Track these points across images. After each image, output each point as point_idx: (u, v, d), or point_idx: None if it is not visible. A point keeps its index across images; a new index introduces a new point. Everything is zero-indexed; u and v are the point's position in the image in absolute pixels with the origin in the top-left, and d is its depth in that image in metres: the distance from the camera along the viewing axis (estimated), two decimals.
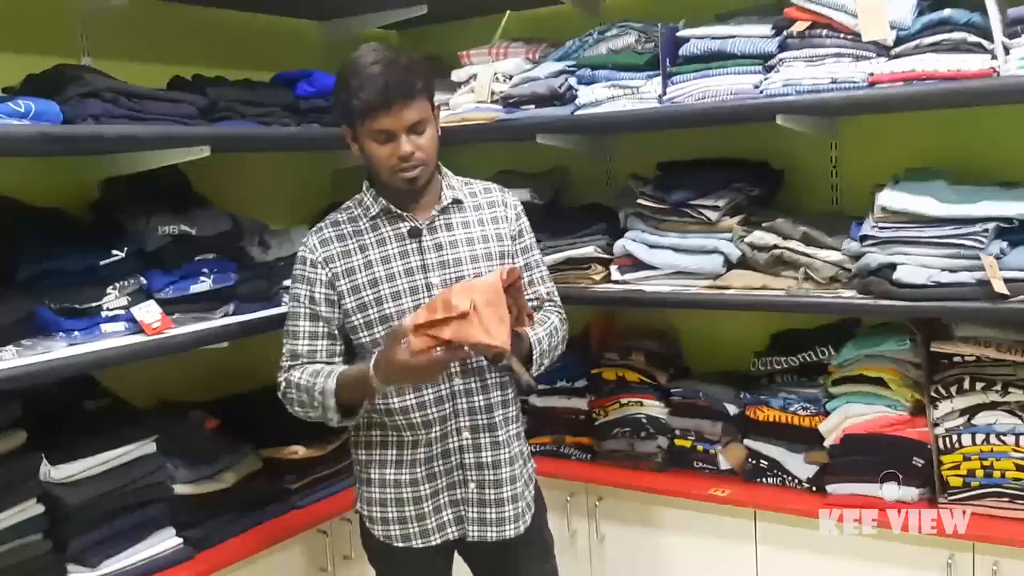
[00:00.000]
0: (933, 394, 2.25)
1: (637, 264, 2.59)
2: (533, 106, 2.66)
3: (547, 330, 2.04)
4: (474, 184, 2.13)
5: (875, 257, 2.18)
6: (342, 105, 1.94)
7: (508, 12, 3.13)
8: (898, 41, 2.16)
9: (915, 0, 2.18)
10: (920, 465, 2.27)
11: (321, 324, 2.01)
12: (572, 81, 2.61)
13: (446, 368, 1.90)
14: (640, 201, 2.59)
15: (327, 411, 1.93)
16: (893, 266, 2.16)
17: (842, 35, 2.22)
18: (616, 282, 2.62)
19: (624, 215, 2.67)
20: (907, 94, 2.12)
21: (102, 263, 2.13)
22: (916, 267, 2.14)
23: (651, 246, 2.57)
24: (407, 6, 2.91)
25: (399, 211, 2.00)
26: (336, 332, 2.02)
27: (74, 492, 2.04)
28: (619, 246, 2.61)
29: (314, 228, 2.07)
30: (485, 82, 2.73)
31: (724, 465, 2.57)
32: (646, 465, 2.66)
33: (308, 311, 2.02)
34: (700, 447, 2.60)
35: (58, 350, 2.01)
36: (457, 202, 2.05)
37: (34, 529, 1.99)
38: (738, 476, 2.55)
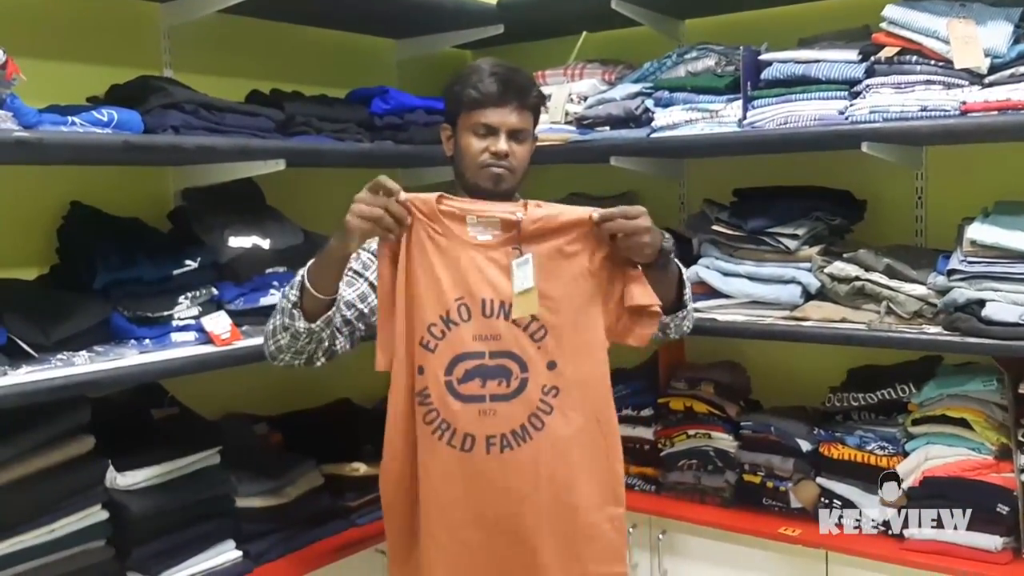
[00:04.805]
0: (1021, 438, 2.15)
1: (710, 292, 2.53)
2: (608, 128, 2.63)
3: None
4: None
5: (963, 292, 2.10)
6: (453, 96, 1.91)
7: (585, 33, 3.11)
8: (992, 69, 2.10)
9: (1011, 28, 2.12)
10: (1005, 512, 2.16)
11: (354, 291, 1.89)
12: (649, 103, 2.57)
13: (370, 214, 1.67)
14: (716, 227, 2.54)
15: (291, 290, 1.77)
16: (982, 302, 2.07)
17: (933, 62, 2.16)
18: None
19: (698, 241, 2.62)
20: (1002, 124, 2.05)
21: (175, 272, 2.15)
22: (1007, 304, 2.05)
23: (725, 274, 2.51)
24: (483, 25, 2.91)
25: None
26: (352, 318, 1.88)
27: (138, 500, 2.04)
28: (692, 273, 2.54)
29: None
30: (560, 103, 2.70)
31: (795, 503, 2.47)
32: (713, 500, 2.59)
33: (347, 279, 1.89)
34: (770, 484, 2.51)
35: (129, 357, 2.01)
36: None
37: (98, 535, 1.99)
38: (809, 515, 2.45)
